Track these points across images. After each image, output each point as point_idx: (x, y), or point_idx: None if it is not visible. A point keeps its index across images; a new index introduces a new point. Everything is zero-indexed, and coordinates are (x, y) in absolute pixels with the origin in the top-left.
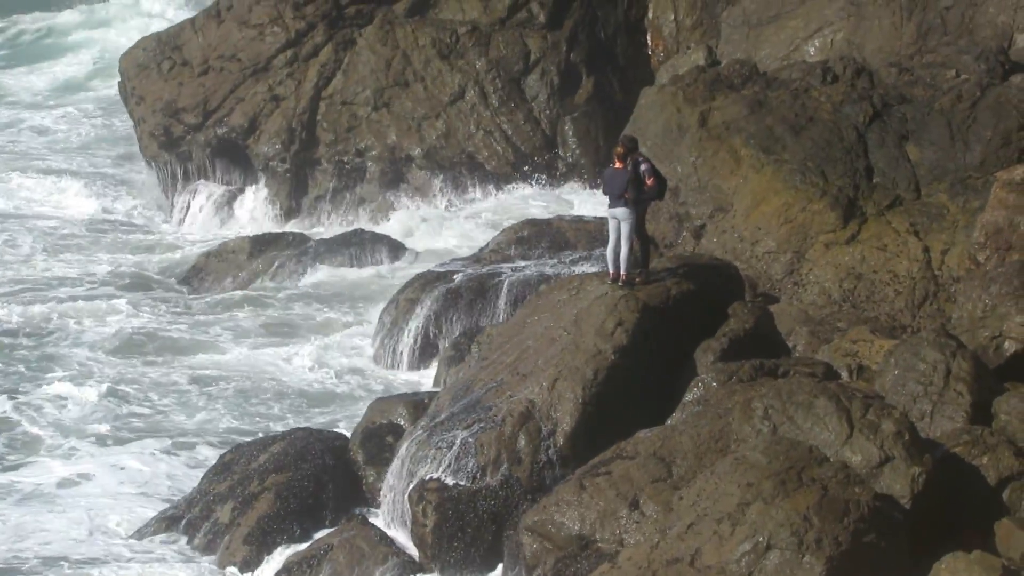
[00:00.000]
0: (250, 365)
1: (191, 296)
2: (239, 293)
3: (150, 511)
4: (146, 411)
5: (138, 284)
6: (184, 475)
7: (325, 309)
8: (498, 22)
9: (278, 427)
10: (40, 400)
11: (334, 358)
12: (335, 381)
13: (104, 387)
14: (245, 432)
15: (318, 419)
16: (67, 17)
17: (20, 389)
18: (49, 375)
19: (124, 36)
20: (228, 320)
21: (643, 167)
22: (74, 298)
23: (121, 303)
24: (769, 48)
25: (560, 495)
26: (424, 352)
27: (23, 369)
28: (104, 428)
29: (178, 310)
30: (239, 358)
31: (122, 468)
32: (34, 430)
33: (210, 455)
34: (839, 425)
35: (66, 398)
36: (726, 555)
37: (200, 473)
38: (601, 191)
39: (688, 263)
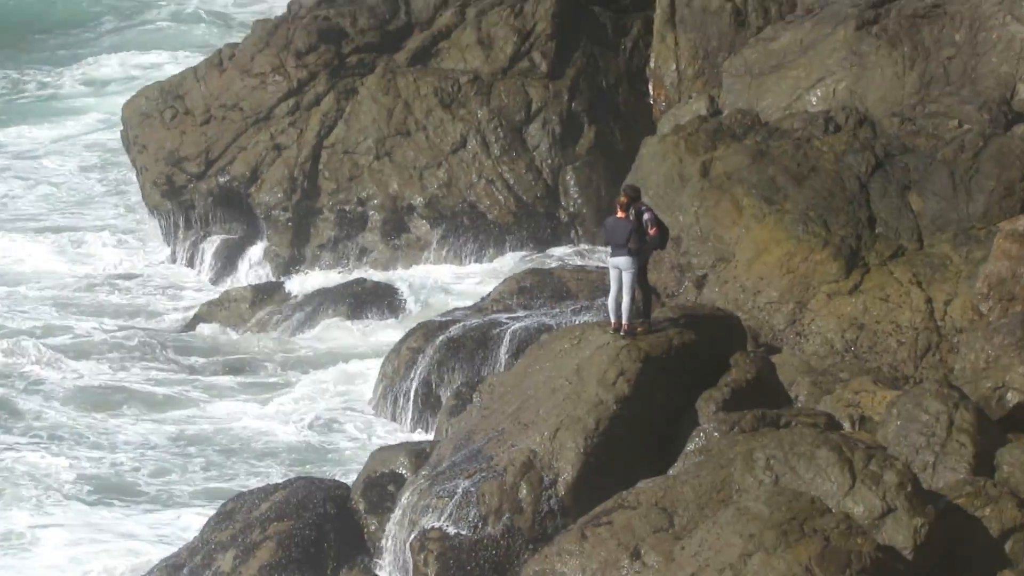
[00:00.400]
0: (238, 419)
1: (186, 346)
2: (238, 343)
3: (133, 560)
4: (129, 464)
5: (136, 336)
6: (164, 526)
7: (324, 360)
8: (500, 71)
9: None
10: (17, 452)
11: (331, 411)
12: (333, 434)
13: (82, 438)
14: (222, 492)
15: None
16: (72, 87)
17: None
18: (23, 425)
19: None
20: (223, 372)
21: (646, 216)
22: (61, 348)
23: (111, 355)
24: (771, 98)
25: (562, 545)
26: (426, 402)
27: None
28: (78, 481)
29: (173, 362)
30: (228, 412)
31: (99, 519)
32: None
33: (190, 511)
34: (841, 476)
35: (45, 447)
36: None
37: (181, 525)
38: (604, 241)
39: (690, 313)
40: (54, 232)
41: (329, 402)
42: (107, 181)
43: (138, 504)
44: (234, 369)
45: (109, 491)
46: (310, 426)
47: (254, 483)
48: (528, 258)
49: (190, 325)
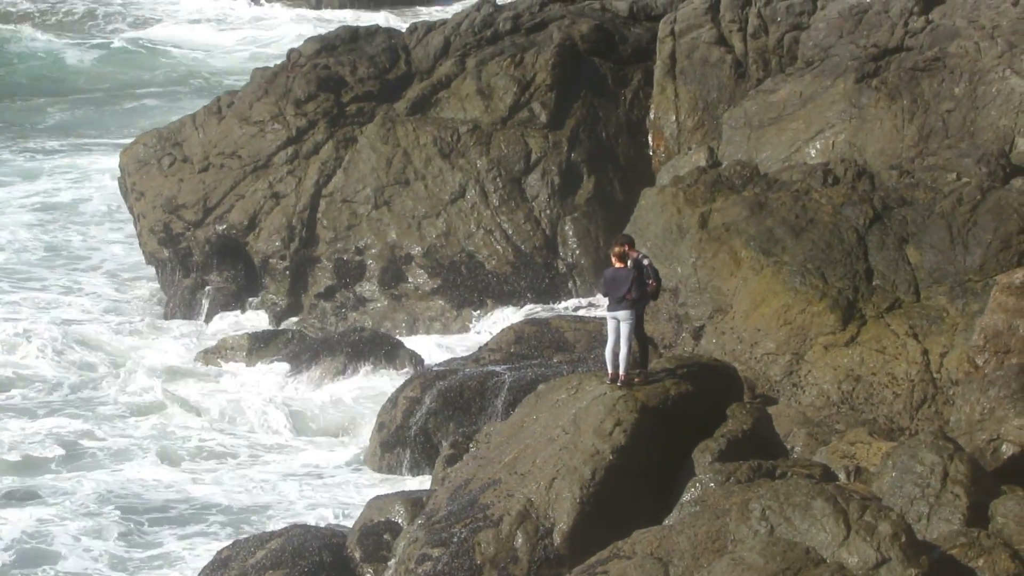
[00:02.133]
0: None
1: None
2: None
3: None
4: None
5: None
6: None
7: (314, 412)
8: (499, 121)
9: None
10: None
11: (318, 466)
12: (320, 494)
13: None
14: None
15: None
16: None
17: None
18: None
19: None
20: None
21: (646, 263)
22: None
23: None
24: (770, 150)
25: None
26: (423, 451)
27: None
28: None
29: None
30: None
31: None
32: None
33: None
34: (836, 526)
35: None
36: None
37: None
38: (601, 293)
39: (687, 364)
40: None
41: (324, 453)
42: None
43: None
44: (225, 418)
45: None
46: (303, 476)
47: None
48: (526, 308)
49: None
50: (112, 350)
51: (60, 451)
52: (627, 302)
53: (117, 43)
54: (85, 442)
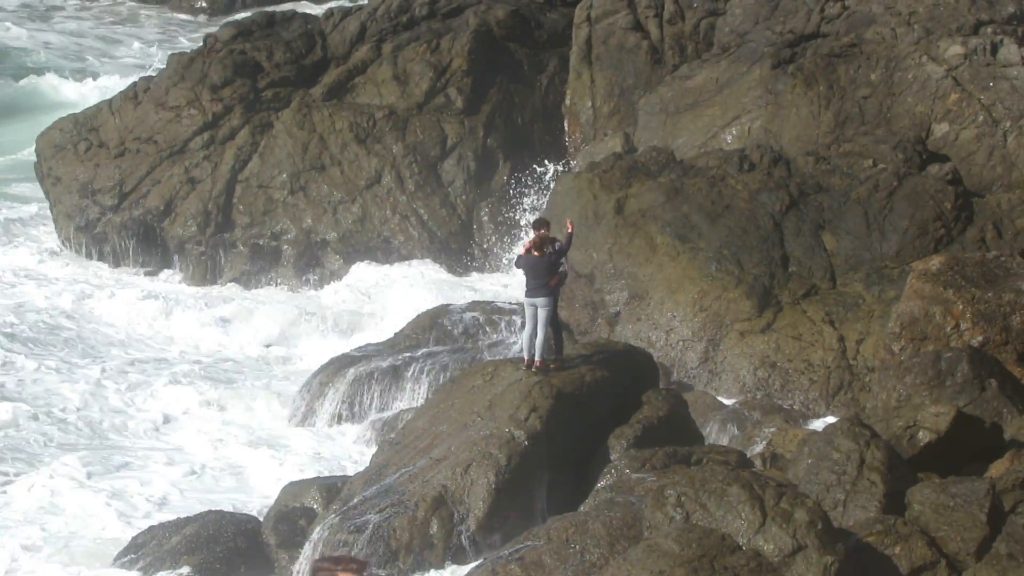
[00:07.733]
0: None
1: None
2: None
3: None
4: None
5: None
6: None
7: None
8: (415, 107)
9: None
10: None
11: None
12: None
13: None
14: None
15: None
16: None
17: None
18: None
19: None
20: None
21: (558, 246)
22: None
23: None
24: (686, 136)
25: None
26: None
27: None
28: None
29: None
30: None
31: None
32: None
33: None
34: (752, 513)
35: None
36: None
37: None
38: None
39: (603, 350)
40: None
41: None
42: None
43: None
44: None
45: None
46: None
47: None
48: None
49: None
50: None
51: None
52: (546, 288)
53: None
54: None
